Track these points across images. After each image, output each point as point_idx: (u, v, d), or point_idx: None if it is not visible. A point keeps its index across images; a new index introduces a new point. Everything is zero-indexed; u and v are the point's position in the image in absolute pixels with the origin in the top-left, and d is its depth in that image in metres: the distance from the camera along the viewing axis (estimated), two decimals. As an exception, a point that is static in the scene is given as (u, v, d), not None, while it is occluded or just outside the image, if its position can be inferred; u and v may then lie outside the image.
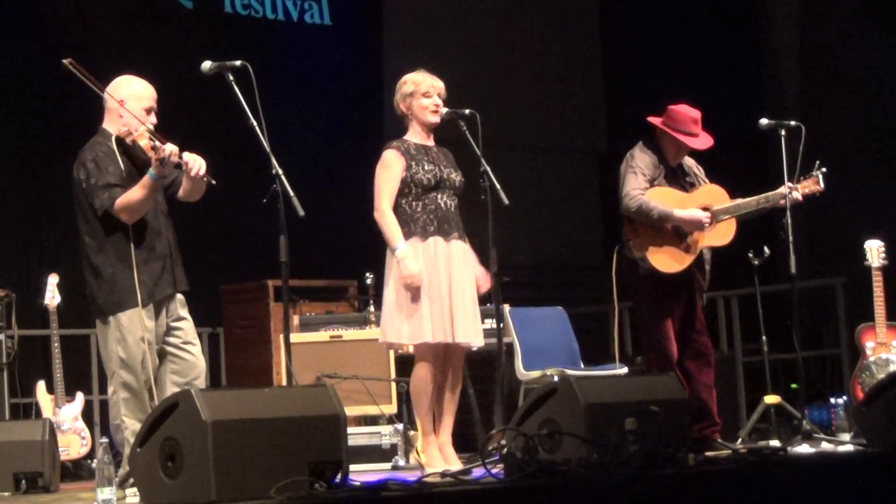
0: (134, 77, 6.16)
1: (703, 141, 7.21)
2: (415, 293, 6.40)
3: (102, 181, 5.91)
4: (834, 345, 10.00)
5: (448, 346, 6.50)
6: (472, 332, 6.53)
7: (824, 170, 7.27)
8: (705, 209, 7.14)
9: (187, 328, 6.15)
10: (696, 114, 7.23)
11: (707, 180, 7.31)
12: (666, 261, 7.11)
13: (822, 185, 7.27)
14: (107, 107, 6.12)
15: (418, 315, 6.41)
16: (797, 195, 7.21)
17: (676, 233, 7.13)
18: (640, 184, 7.10)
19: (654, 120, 7.27)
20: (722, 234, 7.18)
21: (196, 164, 5.94)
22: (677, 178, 7.25)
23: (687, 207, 7.11)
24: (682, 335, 7.20)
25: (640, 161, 7.18)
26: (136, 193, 5.87)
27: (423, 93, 6.58)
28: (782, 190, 7.19)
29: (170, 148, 5.83)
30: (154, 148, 5.83)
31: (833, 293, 9.81)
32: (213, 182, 6.01)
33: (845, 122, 11.06)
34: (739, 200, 7.20)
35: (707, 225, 7.08)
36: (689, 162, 7.36)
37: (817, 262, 10.32)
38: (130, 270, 5.92)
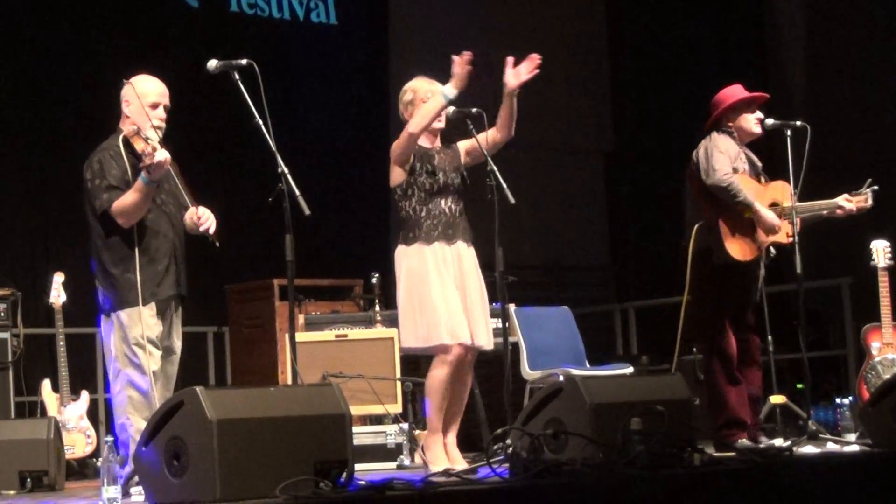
0: (144, 76, 6.16)
1: (742, 90, 7.23)
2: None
3: (104, 183, 5.96)
4: (840, 345, 9.99)
5: (464, 347, 6.49)
6: (484, 334, 6.52)
7: (876, 187, 7.26)
8: (774, 204, 7.17)
9: (175, 337, 6.18)
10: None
11: (764, 173, 7.32)
12: (736, 245, 7.07)
13: (870, 202, 7.27)
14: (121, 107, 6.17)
15: (434, 317, 6.39)
16: (851, 206, 7.22)
17: (751, 223, 7.13)
18: (727, 166, 7.08)
19: (715, 113, 7.28)
20: (783, 233, 7.16)
21: (207, 221, 6.05)
22: (754, 168, 7.27)
23: (762, 201, 7.12)
24: (737, 332, 7.16)
25: (721, 145, 7.14)
26: (129, 198, 5.90)
27: (422, 99, 6.56)
28: (837, 200, 7.22)
29: (159, 155, 5.82)
30: (144, 152, 5.83)
31: (839, 293, 9.80)
32: (217, 244, 6.05)
33: (851, 122, 11.06)
34: (803, 203, 7.21)
35: (778, 230, 7.10)
36: (752, 155, 7.35)
37: (823, 263, 10.30)
38: (133, 270, 5.94)
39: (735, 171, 7.09)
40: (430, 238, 6.47)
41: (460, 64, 6.34)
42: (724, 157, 7.08)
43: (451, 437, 6.56)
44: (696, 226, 7.16)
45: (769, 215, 7.08)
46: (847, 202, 7.24)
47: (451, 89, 6.37)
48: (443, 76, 6.67)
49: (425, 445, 6.57)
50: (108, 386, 6.28)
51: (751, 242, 7.11)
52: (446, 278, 6.44)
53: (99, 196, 5.95)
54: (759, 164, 7.31)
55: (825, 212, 7.27)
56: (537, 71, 6.46)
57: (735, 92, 7.26)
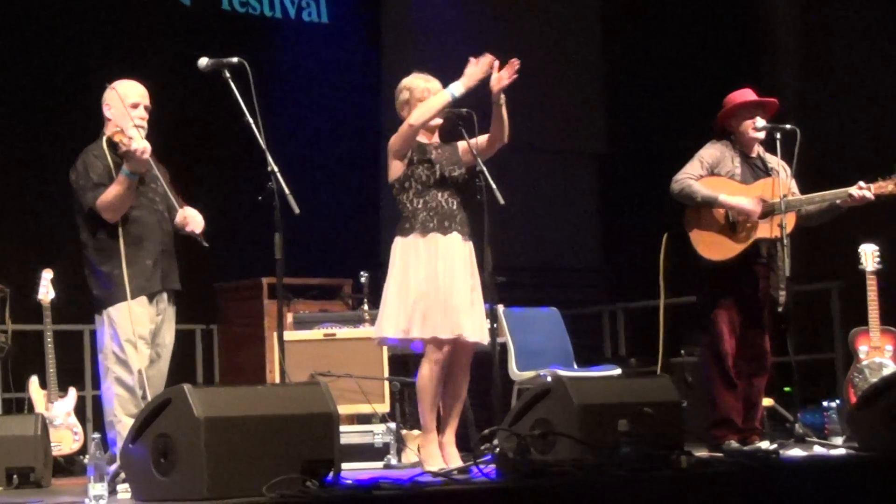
0: (123, 80, 6.20)
1: (751, 94, 7.16)
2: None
3: (89, 182, 6.03)
4: (828, 349, 10.00)
5: (455, 342, 6.45)
6: (476, 329, 6.48)
7: None
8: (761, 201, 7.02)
9: (166, 333, 6.18)
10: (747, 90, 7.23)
11: (791, 177, 7.13)
12: (709, 246, 7.03)
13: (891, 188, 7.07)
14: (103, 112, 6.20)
15: (422, 309, 6.36)
16: (868, 195, 7.02)
17: (728, 221, 7.08)
18: (693, 169, 7.07)
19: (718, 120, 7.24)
20: (768, 227, 7.00)
21: (194, 222, 6.10)
22: (754, 172, 7.15)
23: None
24: (741, 334, 7.12)
25: (704, 151, 7.15)
26: (112, 191, 5.96)
27: (418, 98, 6.57)
28: (848, 189, 7.02)
29: (136, 144, 5.85)
30: (122, 142, 5.88)
31: (828, 297, 9.80)
32: (206, 244, 6.06)
33: (842, 125, 11.05)
34: (801, 196, 7.08)
35: (756, 212, 6.98)
36: (773, 162, 7.20)
37: (812, 266, 10.31)
38: (121, 266, 5.97)
39: (717, 175, 7.07)
40: (425, 229, 6.45)
41: (482, 67, 6.35)
42: (692, 164, 7.08)
43: (449, 437, 6.54)
44: (666, 234, 7.17)
45: (738, 201, 6.99)
46: (860, 189, 7.00)
47: (459, 87, 6.39)
48: (436, 75, 6.67)
49: (420, 444, 6.57)
50: (99, 383, 6.29)
51: (728, 241, 7.07)
52: (441, 270, 6.41)
53: (85, 194, 6.02)
54: (776, 169, 7.13)
55: (838, 200, 7.04)
56: (516, 76, 6.45)
57: (736, 97, 7.21)
